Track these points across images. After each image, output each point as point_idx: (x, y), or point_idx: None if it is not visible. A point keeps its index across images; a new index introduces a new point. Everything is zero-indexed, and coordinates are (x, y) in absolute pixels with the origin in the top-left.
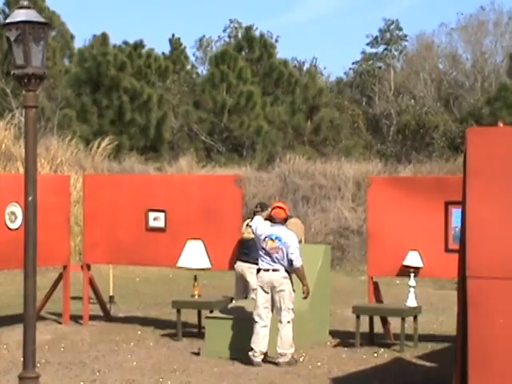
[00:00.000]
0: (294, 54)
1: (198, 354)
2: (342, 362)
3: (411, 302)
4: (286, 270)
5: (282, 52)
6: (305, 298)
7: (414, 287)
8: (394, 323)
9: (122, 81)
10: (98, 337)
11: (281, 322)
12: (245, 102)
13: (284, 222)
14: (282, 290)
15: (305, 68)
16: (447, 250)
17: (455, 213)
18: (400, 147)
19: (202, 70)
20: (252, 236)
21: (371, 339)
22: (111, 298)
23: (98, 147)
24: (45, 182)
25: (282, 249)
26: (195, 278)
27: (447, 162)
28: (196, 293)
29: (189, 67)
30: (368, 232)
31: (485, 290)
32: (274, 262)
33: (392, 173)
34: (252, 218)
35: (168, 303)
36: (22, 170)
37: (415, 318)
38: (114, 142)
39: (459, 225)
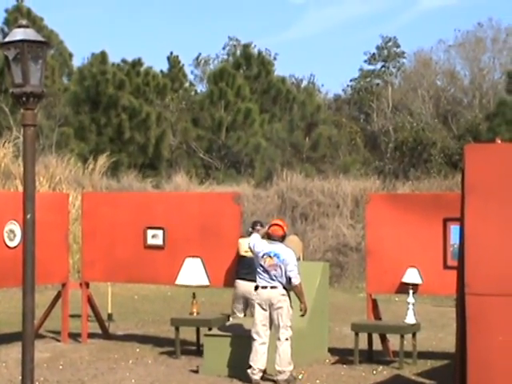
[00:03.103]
0: (291, 72)
1: (196, 371)
2: (340, 380)
3: (410, 319)
4: (284, 287)
5: (280, 69)
6: (302, 315)
7: (412, 304)
8: (393, 340)
9: (120, 99)
10: (96, 355)
11: (279, 339)
12: (243, 119)
13: (282, 239)
14: (280, 308)
15: (303, 85)
16: (446, 266)
17: (454, 229)
18: (398, 164)
19: (201, 87)
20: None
21: (370, 356)
22: (110, 315)
23: (94, 165)
24: (43, 200)
25: (280, 266)
26: (194, 296)
27: (445, 178)
28: (194, 310)
29: (187, 85)
30: (366, 249)
31: (484, 307)
32: (273, 279)
33: (390, 190)
34: (249, 236)
35: (166, 321)
36: (20, 188)
37: (414, 334)
38: (111, 159)
39: (458, 241)
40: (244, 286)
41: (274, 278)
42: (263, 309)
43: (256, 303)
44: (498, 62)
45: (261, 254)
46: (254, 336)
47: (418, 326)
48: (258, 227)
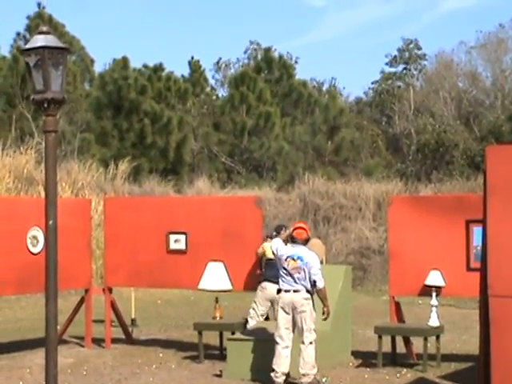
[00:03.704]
0: (313, 75)
1: (220, 375)
2: (364, 383)
3: (433, 322)
4: (308, 291)
5: (301, 73)
6: (325, 319)
7: (436, 306)
8: (417, 343)
9: (142, 104)
10: (120, 360)
11: (303, 342)
12: (264, 123)
13: (305, 242)
14: (303, 311)
15: (324, 88)
16: (469, 268)
17: (476, 231)
18: (420, 166)
19: (222, 92)
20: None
21: (394, 359)
22: (133, 320)
23: (116, 170)
24: (66, 205)
25: (303, 269)
26: (216, 300)
27: (468, 180)
28: (217, 315)
29: (208, 89)
30: (389, 251)
31: (507, 309)
32: (296, 282)
33: (412, 192)
34: (271, 239)
35: (189, 325)
36: (43, 195)
37: (438, 337)
38: (133, 164)
39: (480, 243)
40: (272, 288)
41: (298, 281)
42: (286, 312)
43: (279, 307)
44: None
45: (284, 257)
46: (277, 340)
47: (442, 328)
48: (283, 231)
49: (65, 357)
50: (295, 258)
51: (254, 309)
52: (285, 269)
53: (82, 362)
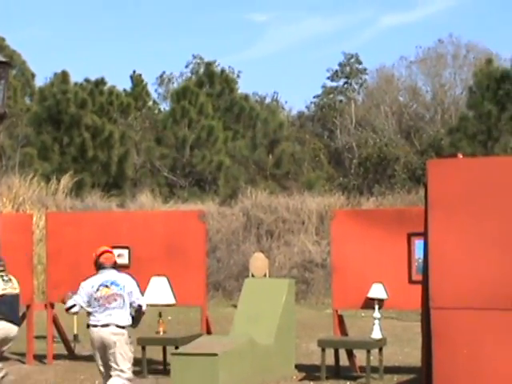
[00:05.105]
0: (255, 89)
1: None
2: None
3: (376, 334)
4: (122, 324)
5: (243, 87)
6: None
7: (378, 319)
8: (360, 355)
9: (83, 118)
10: (62, 376)
11: (114, 375)
12: (206, 137)
13: (115, 266)
14: (114, 349)
15: (266, 102)
16: (411, 281)
17: (418, 244)
18: (362, 180)
19: (165, 106)
20: None
21: (337, 372)
22: (75, 336)
23: (58, 184)
24: (7, 221)
25: (121, 295)
26: (160, 315)
27: (409, 193)
28: (161, 329)
29: (150, 103)
30: (332, 265)
31: (448, 321)
32: (110, 313)
33: (355, 205)
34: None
35: (133, 340)
36: None
37: (380, 349)
38: (74, 178)
39: (422, 256)
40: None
41: (112, 311)
42: (97, 349)
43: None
44: (459, 77)
45: (95, 288)
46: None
47: (384, 340)
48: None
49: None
50: (108, 284)
51: None
52: (97, 300)
53: (24, 378)
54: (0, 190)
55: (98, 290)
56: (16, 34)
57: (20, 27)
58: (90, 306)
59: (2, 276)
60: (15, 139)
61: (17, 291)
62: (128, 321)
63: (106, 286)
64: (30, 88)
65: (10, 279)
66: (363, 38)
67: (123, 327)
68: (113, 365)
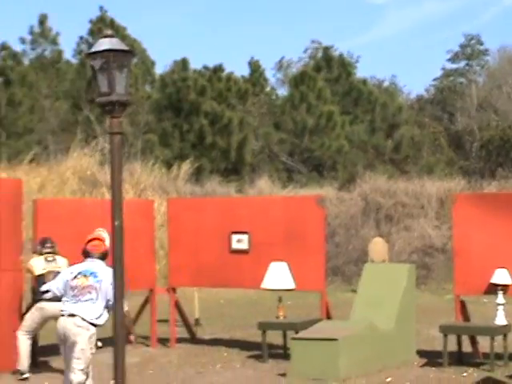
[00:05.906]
0: (373, 73)
1: (284, 375)
2: (430, 382)
3: (500, 320)
4: (90, 319)
5: (361, 71)
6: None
7: (502, 305)
8: (483, 342)
9: (202, 105)
10: (184, 359)
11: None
12: (325, 122)
13: (104, 256)
14: (74, 342)
15: (384, 86)
16: None
17: None
18: (484, 163)
19: (282, 91)
20: None
21: (459, 358)
22: (197, 320)
23: (178, 170)
24: (130, 206)
25: (96, 288)
26: (280, 300)
27: None
28: (281, 314)
29: (268, 89)
30: (454, 250)
31: None
32: (79, 305)
33: (476, 189)
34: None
35: (253, 325)
36: (107, 196)
37: (505, 336)
38: (195, 164)
39: None
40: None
41: (82, 303)
42: (61, 341)
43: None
44: None
45: (74, 274)
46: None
47: (509, 327)
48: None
49: (131, 356)
50: (87, 274)
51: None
52: (72, 289)
53: (148, 361)
54: (123, 176)
55: (75, 277)
56: (136, 24)
57: (140, 17)
58: (64, 294)
59: (47, 257)
60: (137, 126)
61: (58, 269)
62: (97, 319)
63: (85, 276)
64: (150, 76)
65: (55, 259)
66: (485, 19)
67: (91, 323)
68: (70, 362)
